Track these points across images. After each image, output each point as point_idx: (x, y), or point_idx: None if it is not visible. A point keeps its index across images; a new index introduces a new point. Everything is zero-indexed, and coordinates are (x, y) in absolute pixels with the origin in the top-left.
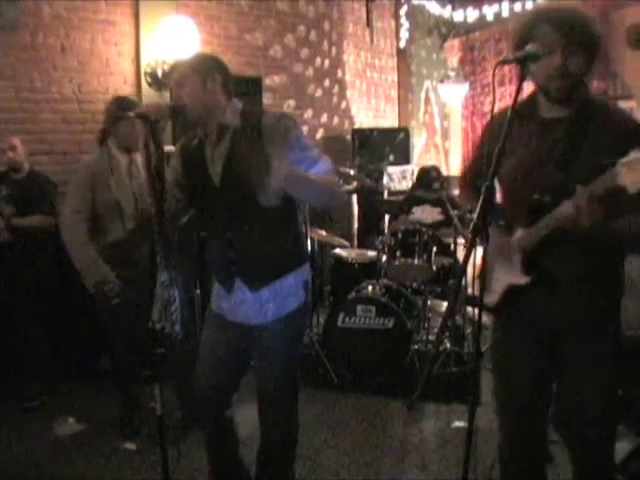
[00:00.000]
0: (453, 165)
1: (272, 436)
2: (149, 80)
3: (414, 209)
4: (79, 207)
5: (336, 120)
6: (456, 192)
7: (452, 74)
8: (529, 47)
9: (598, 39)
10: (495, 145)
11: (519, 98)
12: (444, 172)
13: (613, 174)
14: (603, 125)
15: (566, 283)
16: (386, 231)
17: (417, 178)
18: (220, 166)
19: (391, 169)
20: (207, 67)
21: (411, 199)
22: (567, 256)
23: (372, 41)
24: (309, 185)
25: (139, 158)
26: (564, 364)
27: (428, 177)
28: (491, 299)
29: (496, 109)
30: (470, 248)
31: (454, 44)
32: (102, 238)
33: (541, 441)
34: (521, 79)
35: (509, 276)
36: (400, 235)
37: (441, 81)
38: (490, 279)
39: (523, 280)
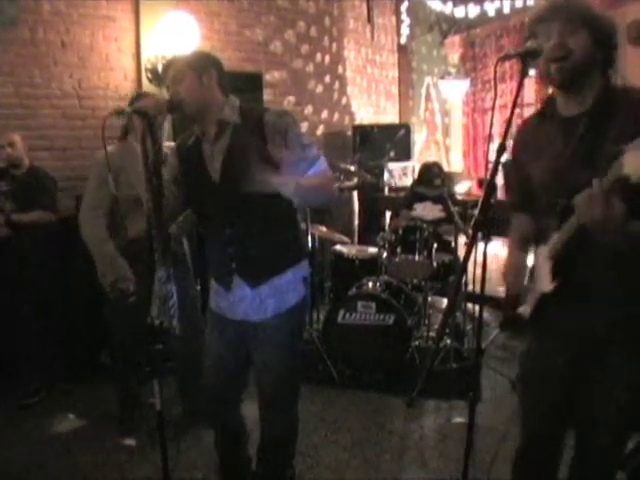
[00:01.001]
0: (454, 161)
1: (272, 432)
2: (149, 76)
3: (415, 205)
4: (97, 203)
5: (336, 116)
6: (457, 189)
7: (453, 70)
8: (530, 43)
9: (603, 22)
10: (525, 151)
11: (520, 94)
12: (445, 169)
13: (619, 163)
14: (626, 115)
15: (596, 290)
16: (387, 228)
17: (418, 174)
18: (219, 162)
19: (392, 165)
20: (203, 63)
21: (412, 196)
22: (597, 262)
23: (373, 37)
24: (312, 192)
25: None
26: (589, 376)
27: (430, 173)
28: (526, 310)
29: (497, 105)
30: (471, 245)
31: (455, 40)
32: (122, 236)
33: (559, 448)
34: (522, 75)
35: (540, 285)
36: (401, 231)
37: (442, 77)
38: (528, 290)
39: (550, 287)
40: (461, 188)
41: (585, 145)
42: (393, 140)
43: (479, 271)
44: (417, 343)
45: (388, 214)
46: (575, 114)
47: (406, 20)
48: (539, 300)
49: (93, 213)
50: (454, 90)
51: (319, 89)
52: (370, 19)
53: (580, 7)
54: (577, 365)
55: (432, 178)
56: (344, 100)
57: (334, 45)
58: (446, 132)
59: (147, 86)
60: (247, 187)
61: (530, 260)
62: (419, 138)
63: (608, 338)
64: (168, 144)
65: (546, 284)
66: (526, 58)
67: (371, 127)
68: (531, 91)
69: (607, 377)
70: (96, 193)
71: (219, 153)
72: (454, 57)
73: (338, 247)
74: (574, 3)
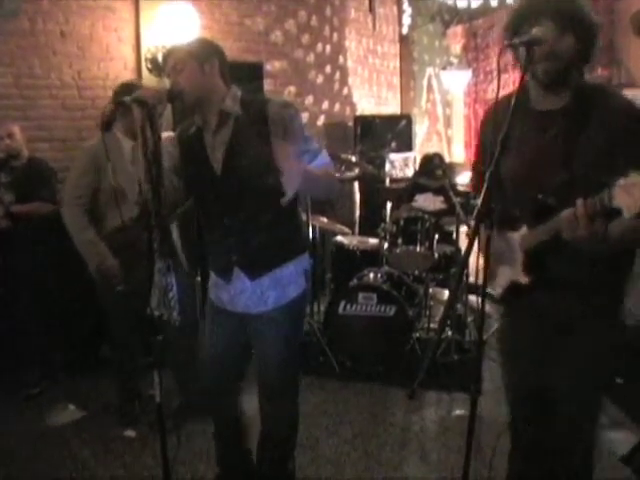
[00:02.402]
0: (455, 153)
1: (273, 424)
2: (149, 66)
3: (416, 197)
4: (79, 192)
5: (337, 107)
6: (459, 180)
7: (455, 61)
8: (535, 30)
9: (590, 24)
10: (497, 134)
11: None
12: (447, 159)
13: (610, 195)
14: (602, 115)
15: (565, 285)
16: (388, 219)
17: (420, 165)
18: (221, 153)
19: (393, 156)
20: (205, 52)
21: (413, 187)
22: (568, 259)
23: (374, 27)
24: (317, 182)
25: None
26: (557, 358)
27: (431, 164)
28: (497, 291)
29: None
30: (473, 236)
31: (457, 31)
32: (103, 225)
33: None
34: (527, 64)
35: (512, 272)
36: (402, 223)
37: (444, 68)
38: (496, 270)
39: (524, 280)
40: (462, 179)
41: (560, 145)
42: (394, 131)
43: (481, 262)
44: (418, 335)
45: (389, 205)
46: (550, 109)
47: (408, 10)
48: (509, 286)
49: (75, 201)
50: (456, 81)
51: (320, 79)
52: (371, 9)
53: (569, 7)
54: (544, 345)
55: (433, 169)
56: (345, 91)
57: (335, 35)
58: (448, 123)
59: (147, 76)
60: (249, 178)
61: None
62: (420, 129)
63: (573, 323)
64: (167, 134)
65: (520, 275)
66: (531, 47)
67: (372, 118)
68: None
69: (573, 354)
70: (78, 181)
71: (221, 144)
72: (456, 48)
73: (339, 238)
74: (568, 6)
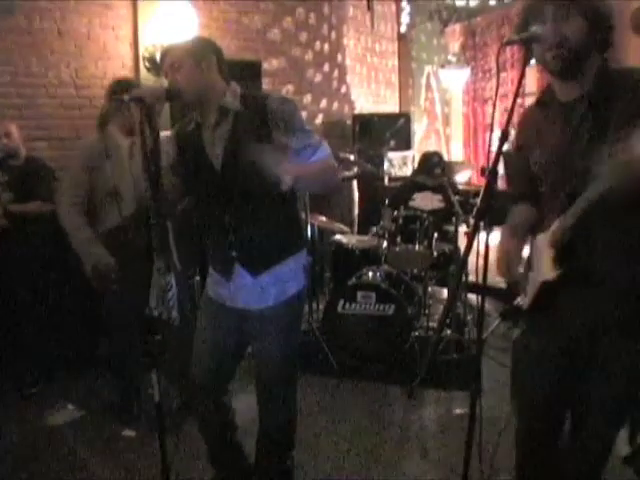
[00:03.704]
0: (454, 151)
1: (271, 422)
2: (147, 64)
3: (415, 195)
4: (76, 190)
5: (336, 105)
6: (458, 178)
7: (453, 59)
8: (534, 28)
9: (598, 4)
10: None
11: (522, 82)
12: (445, 158)
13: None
14: (626, 98)
15: (599, 278)
16: (382, 218)
17: (419, 163)
18: (221, 149)
19: (392, 155)
20: (202, 49)
21: (412, 185)
22: (600, 250)
23: (372, 25)
24: (312, 179)
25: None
26: (591, 364)
27: (430, 163)
28: (525, 301)
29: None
30: (473, 234)
31: (455, 29)
32: (100, 225)
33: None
34: (525, 61)
35: (541, 273)
36: (401, 221)
37: (442, 66)
38: (526, 282)
39: (552, 275)
40: (461, 177)
41: (584, 130)
42: (393, 129)
43: (480, 261)
44: (417, 333)
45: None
46: (573, 99)
47: (406, 8)
48: (539, 289)
49: (71, 200)
50: (454, 79)
51: (318, 78)
52: (370, 7)
53: None
54: (575, 352)
55: (432, 167)
56: (343, 89)
57: (333, 33)
58: (446, 121)
59: (145, 74)
60: (249, 174)
61: (525, 250)
62: (419, 127)
63: (611, 323)
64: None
65: (548, 272)
66: (529, 44)
67: (371, 116)
68: (533, 80)
69: (606, 362)
70: (74, 180)
71: (220, 140)
72: (454, 46)
73: (338, 237)
74: None
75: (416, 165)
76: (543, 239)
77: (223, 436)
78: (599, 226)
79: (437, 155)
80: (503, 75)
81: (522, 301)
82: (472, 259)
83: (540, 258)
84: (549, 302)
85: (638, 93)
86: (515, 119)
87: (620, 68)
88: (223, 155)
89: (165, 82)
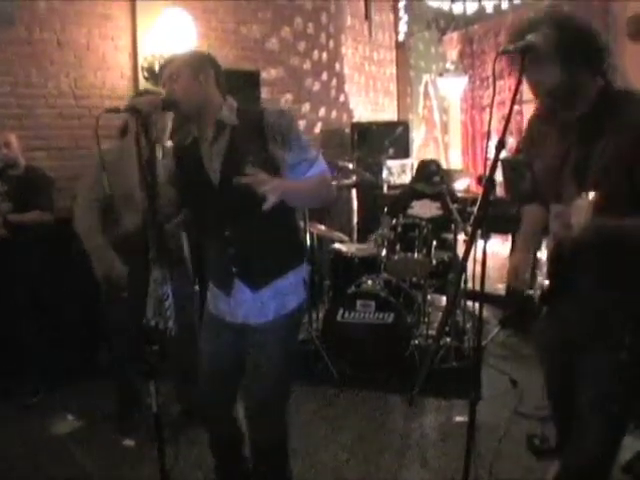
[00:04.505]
0: (453, 159)
1: (263, 436)
2: (146, 75)
3: (413, 203)
4: (92, 197)
5: (334, 114)
6: (456, 186)
7: (451, 67)
8: (530, 37)
9: (600, 53)
10: (530, 149)
11: (519, 91)
12: (444, 166)
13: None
14: (618, 123)
15: (583, 292)
16: (382, 226)
17: (416, 172)
18: (219, 163)
19: (390, 163)
20: (200, 62)
21: (410, 193)
22: (586, 266)
23: (370, 34)
24: (303, 196)
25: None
26: (576, 369)
27: (428, 171)
28: (536, 293)
29: (495, 101)
30: (471, 242)
31: (453, 37)
32: (116, 230)
33: None
34: (522, 70)
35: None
36: (399, 229)
37: (440, 74)
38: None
39: (545, 284)
40: (460, 185)
41: (574, 154)
42: (391, 138)
43: (478, 269)
44: (417, 341)
45: (385, 211)
46: (570, 118)
47: (404, 17)
48: (543, 292)
49: (87, 207)
50: (452, 87)
51: (316, 86)
52: (368, 16)
53: (582, 44)
54: (570, 346)
55: (430, 175)
56: (342, 98)
57: (331, 42)
58: (445, 129)
59: (144, 85)
60: (247, 189)
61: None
62: (418, 135)
63: (590, 332)
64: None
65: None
66: (525, 53)
67: (369, 124)
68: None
69: (588, 363)
70: (91, 188)
71: (218, 154)
72: (452, 54)
73: (337, 245)
74: (579, 40)
75: (414, 173)
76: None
77: (230, 450)
78: (584, 253)
79: (434, 163)
80: (500, 83)
81: (533, 293)
82: (470, 267)
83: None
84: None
85: (632, 127)
86: (512, 126)
87: (620, 90)
88: (221, 170)
89: (164, 92)
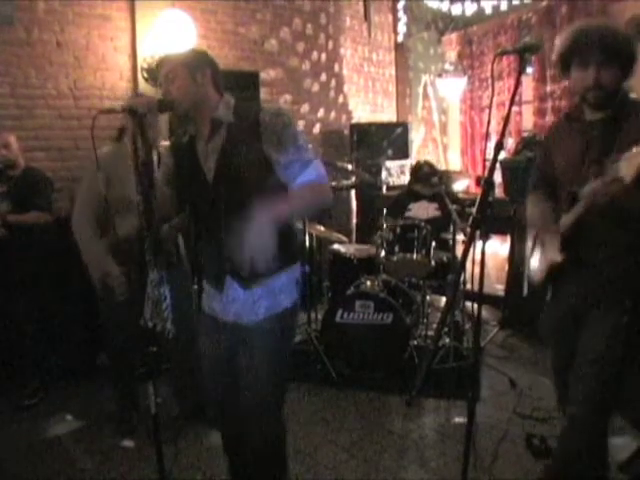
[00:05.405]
0: (452, 159)
1: (260, 438)
2: (145, 75)
3: (410, 205)
4: (89, 201)
5: (333, 115)
6: (455, 187)
7: (450, 68)
8: (527, 38)
9: (633, 56)
10: (554, 147)
11: (518, 91)
12: (443, 167)
13: (617, 166)
14: (636, 123)
15: (591, 264)
16: (382, 226)
17: (411, 174)
18: (213, 161)
19: (389, 164)
20: (196, 61)
21: (408, 194)
22: (595, 241)
23: (369, 35)
24: (299, 210)
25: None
26: (581, 332)
27: (421, 172)
28: (537, 276)
29: (494, 102)
30: (470, 243)
31: (452, 38)
32: (113, 234)
33: None
34: (520, 71)
35: (550, 254)
36: (399, 230)
37: (439, 75)
38: (533, 258)
39: (559, 257)
40: (459, 186)
41: (596, 145)
42: (390, 138)
43: (477, 269)
44: (416, 342)
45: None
46: (595, 119)
47: (403, 18)
48: (548, 267)
49: (84, 211)
50: (451, 88)
51: (315, 87)
52: (367, 17)
53: (615, 42)
54: (576, 319)
55: (425, 177)
56: (341, 98)
57: (330, 43)
58: (444, 130)
59: (143, 86)
60: (241, 186)
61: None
62: (417, 136)
63: (596, 298)
64: (164, 143)
65: (556, 255)
66: (524, 54)
67: (368, 125)
68: (529, 89)
69: (591, 326)
70: (88, 191)
71: (213, 152)
72: (451, 55)
73: (336, 246)
74: (610, 37)
75: (409, 174)
76: (555, 228)
77: (239, 447)
78: (593, 226)
79: (427, 164)
80: (499, 84)
81: (533, 274)
82: (469, 267)
83: (552, 243)
84: (555, 277)
85: None
86: (511, 127)
87: (637, 99)
88: (215, 167)
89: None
